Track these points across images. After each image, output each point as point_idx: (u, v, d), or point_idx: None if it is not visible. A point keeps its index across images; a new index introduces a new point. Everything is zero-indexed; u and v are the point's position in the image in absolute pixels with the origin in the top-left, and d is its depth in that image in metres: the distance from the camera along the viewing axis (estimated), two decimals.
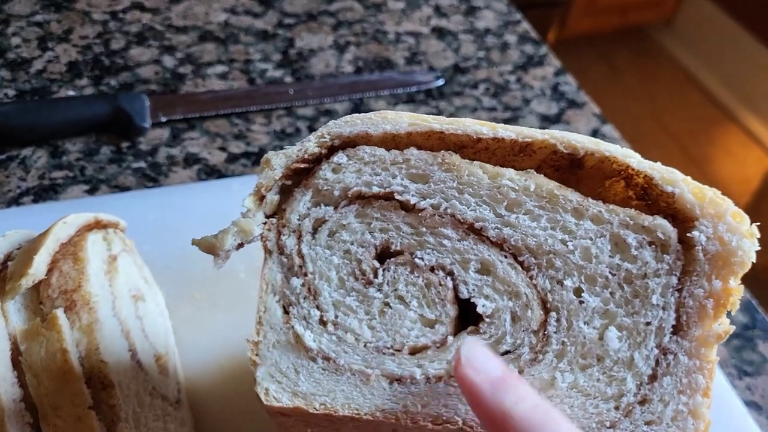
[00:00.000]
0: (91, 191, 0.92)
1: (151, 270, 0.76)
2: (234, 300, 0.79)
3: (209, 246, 0.43)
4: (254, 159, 0.98)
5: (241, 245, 0.44)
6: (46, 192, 0.92)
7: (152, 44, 1.14)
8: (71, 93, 1.05)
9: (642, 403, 0.42)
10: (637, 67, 3.56)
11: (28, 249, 0.60)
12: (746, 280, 0.43)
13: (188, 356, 0.73)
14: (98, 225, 0.67)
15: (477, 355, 0.40)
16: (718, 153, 3.20)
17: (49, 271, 0.58)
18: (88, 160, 0.96)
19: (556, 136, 0.44)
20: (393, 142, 0.45)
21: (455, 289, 0.44)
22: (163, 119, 1.00)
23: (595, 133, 1.05)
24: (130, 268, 0.68)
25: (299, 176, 0.46)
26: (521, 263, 0.44)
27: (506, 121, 1.05)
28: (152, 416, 0.58)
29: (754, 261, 0.42)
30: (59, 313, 0.55)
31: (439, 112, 1.06)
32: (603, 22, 3.46)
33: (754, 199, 2.61)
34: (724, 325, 0.42)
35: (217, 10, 1.22)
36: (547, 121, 1.06)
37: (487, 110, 1.08)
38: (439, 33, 1.21)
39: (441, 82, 1.11)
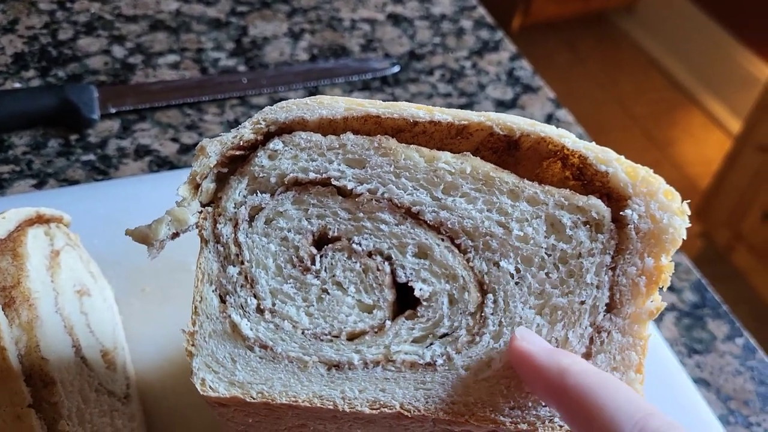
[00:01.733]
0: (39, 185, 0.90)
1: (99, 265, 0.74)
2: (185, 293, 0.76)
3: (142, 236, 0.43)
4: None
5: (176, 235, 0.43)
6: None
7: (101, 34, 1.12)
8: (17, 85, 1.03)
9: None
10: (601, 53, 3.59)
11: None
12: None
13: (138, 351, 0.72)
14: (40, 220, 0.65)
15: (531, 333, 0.41)
16: (680, 135, 3.24)
17: None
18: (36, 153, 0.94)
19: (492, 118, 0.44)
20: (330, 127, 0.45)
21: (393, 273, 0.44)
22: (113, 110, 0.98)
23: (549, 118, 1.06)
24: (75, 263, 0.66)
25: (235, 163, 0.45)
26: (458, 246, 0.44)
27: (462, 107, 1.04)
28: (98, 412, 0.57)
29: (685, 238, 0.42)
30: None
31: (395, 99, 1.05)
32: (566, 8, 3.47)
33: (715, 180, 2.65)
34: (656, 302, 0.43)
35: None
36: (502, 106, 1.06)
37: (442, 96, 1.07)
38: (395, 19, 1.20)
39: (396, 68, 1.10)
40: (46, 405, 0.52)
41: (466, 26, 1.20)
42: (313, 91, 1.05)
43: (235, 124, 0.99)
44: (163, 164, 0.94)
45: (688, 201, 0.43)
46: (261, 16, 1.18)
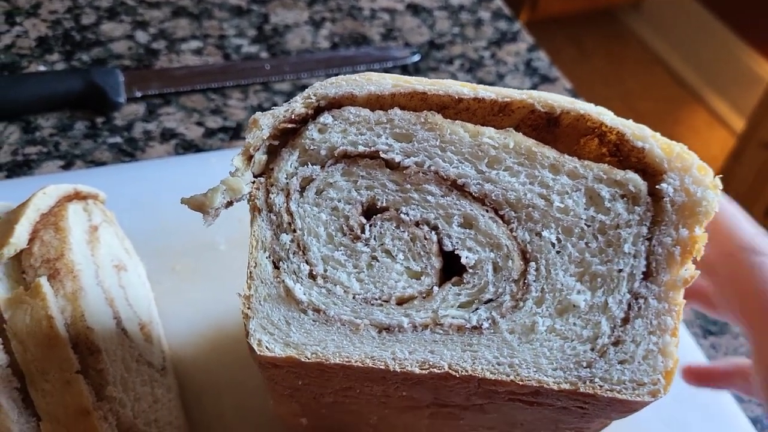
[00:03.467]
0: (66, 167, 0.91)
1: (133, 243, 0.76)
2: (214, 271, 0.79)
3: (199, 204, 0.44)
4: (232, 134, 0.98)
5: (230, 203, 0.45)
6: (20, 168, 0.91)
7: (124, 19, 1.13)
8: (42, 68, 1.04)
9: (616, 344, 0.44)
10: (606, 50, 3.60)
11: (8, 219, 0.59)
12: None
13: (171, 327, 0.73)
14: (78, 196, 0.67)
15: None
16: (684, 133, 3.26)
17: (31, 241, 0.58)
18: (63, 135, 0.95)
19: (534, 96, 0.45)
20: (377, 103, 0.46)
21: (439, 242, 0.46)
22: (138, 94, 1.00)
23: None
24: (112, 239, 0.68)
25: (286, 136, 0.46)
26: (502, 217, 0.46)
27: None
28: (140, 381, 0.59)
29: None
30: (43, 281, 0.55)
31: None
32: (573, 4, 3.48)
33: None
34: (690, 270, 0.44)
35: None
36: None
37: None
38: (414, 9, 1.21)
39: (417, 57, 1.12)
40: (92, 372, 0.53)
41: (485, 17, 1.22)
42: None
43: (259, 108, 1.01)
44: (189, 147, 0.95)
45: (721, 175, 0.45)
46: (282, 4, 1.19)
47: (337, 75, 1.07)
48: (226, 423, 0.68)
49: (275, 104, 1.01)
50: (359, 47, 1.13)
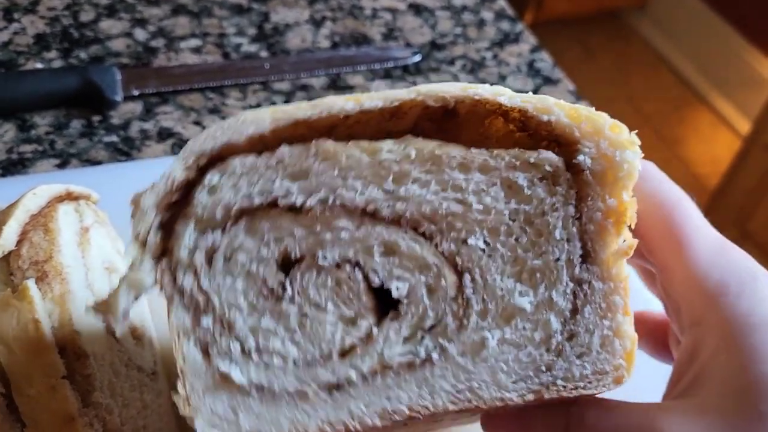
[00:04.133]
0: (62, 165, 0.91)
1: (125, 244, 0.75)
2: None
3: (104, 310, 0.40)
4: None
5: (136, 298, 0.41)
6: (14, 166, 0.90)
7: (123, 17, 1.12)
8: (39, 66, 1.03)
9: (570, 338, 0.42)
10: (612, 50, 3.58)
11: None
12: None
13: (163, 329, 0.72)
14: (69, 197, 0.65)
15: None
16: (689, 134, 3.24)
17: (19, 242, 0.57)
18: (58, 134, 0.94)
19: (422, 91, 0.41)
20: (261, 144, 0.42)
21: (366, 279, 0.42)
22: (136, 93, 0.99)
23: None
24: (103, 241, 0.67)
25: (176, 209, 0.42)
26: (423, 234, 0.42)
27: None
28: (128, 386, 0.58)
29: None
30: (30, 283, 0.54)
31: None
32: (578, 5, 3.47)
33: (723, 179, 2.65)
34: (628, 240, 0.42)
35: None
36: None
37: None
38: (416, 9, 1.20)
39: (418, 58, 1.10)
40: (79, 377, 0.52)
41: (487, 17, 1.20)
42: (335, 78, 1.06)
43: (257, 108, 1.00)
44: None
45: (636, 131, 0.42)
46: (283, 2, 1.18)
47: (337, 75, 1.06)
48: None
49: (274, 104, 1.00)
50: (360, 47, 1.12)
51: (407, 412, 0.41)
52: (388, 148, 0.41)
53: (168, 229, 0.41)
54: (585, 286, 0.42)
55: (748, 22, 3.14)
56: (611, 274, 0.42)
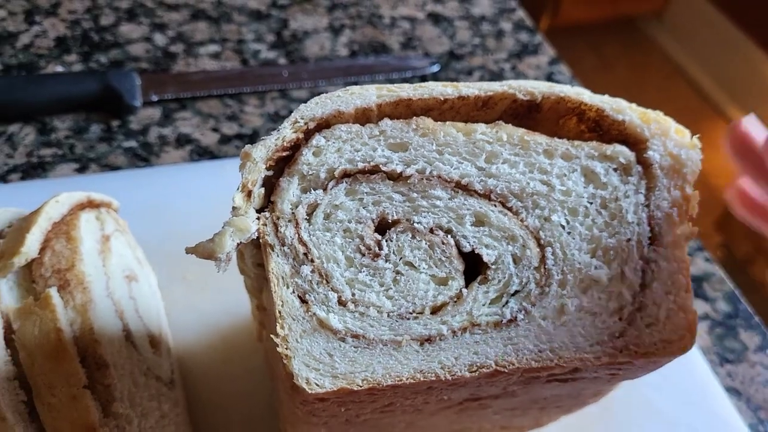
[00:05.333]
0: (81, 170, 0.91)
1: (145, 251, 0.75)
2: (226, 282, 0.77)
3: (207, 252, 0.42)
4: (247, 140, 0.97)
5: (239, 244, 0.43)
6: (34, 169, 0.91)
7: (143, 21, 1.13)
8: (59, 69, 1.04)
9: (639, 309, 0.46)
10: (627, 59, 3.57)
11: (20, 227, 0.59)
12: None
13: (180, 337, 0.72)
14: (91, 204, 0.66)
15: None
16: (704, 146, 3.22)
17: (42, 250, 0.58)
18: (78, 138, 0.95)
19: (513, 86, 0.47)
20: (365, 116, 0.46)
21: (457, 244, 0.46)
22: (155, 98, 0.99)
23: None
24: (124, 249, 0.67)
25: (281, 165, 0.45)
26: (510, 209, 0.47)
27: None
28: (147, 396, 0.58)
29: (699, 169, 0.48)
30: (53, 292, 0.54)
31: None
32: (594, 12, 3.46)
33: None
34: (689, 228, 0.47)
35: None
36: None
37: None
38: (435, 19, 1.20)
39: (436, 68, 1.10)
40: (100, 387, 0.52)
41: (506, 28, 1.20)
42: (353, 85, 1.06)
43: (275, 116, 1.00)
44: (203, 153, 0.94)
45: (698, 135, 0.48)
46: (301, 9, 1.19)
47: (355, 83, 1.06)
48: None
49: (292, 111, 1.01)
50: (378, 56, 1.12)
51: (494, 366, 0.44)
52: (481, 130, 0.47)
53: (271, 184, 0.46)
54: (653, 265, 0.47)
55: (767, 33, 3.12)
56: (675, 255, 0.47)
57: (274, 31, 1.14)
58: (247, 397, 0.69)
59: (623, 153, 0.47)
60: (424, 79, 1.09)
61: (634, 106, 0.47)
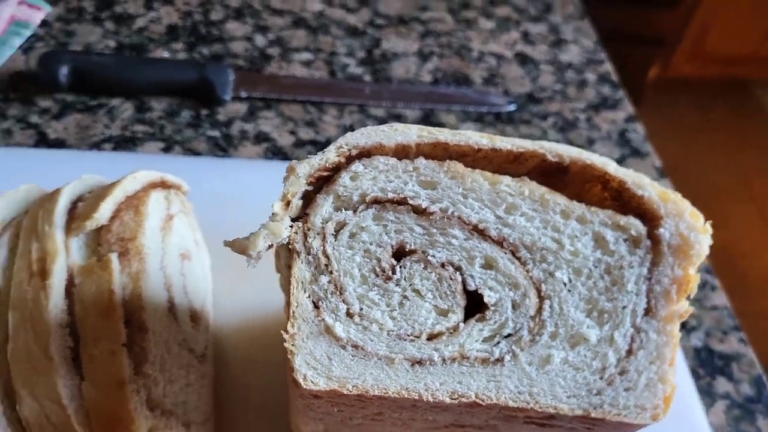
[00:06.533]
0: (166, 149, 0.99)
1: (203, 234, 0.82)
2: (273, 277, 0.84)
3: (242, 247, 0.48)
4: (320, 147, 1.03)
5: (270, 246, 0.49)
6: (126, 142, 1.00)
7: (248, 21, 1.21)
8: (165, 55, 1.13)
9: (621, 373, 0.49)
10: (731, 122, 3.46)
11: (98, 195, 0.66)
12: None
13: (221, 319, 0.79)
14: (163, 185, 0.73)
15: None
16: None
17: (112, 218, 0.65)
18: (169, 120, 1.03)
19: (545, 146, 0.49)
20: (403, 152, 0.50)
21: (464, 282, 0.50)
22: (244, 95, 1.07)
23: None
24: (184, 229, 0.74)
25: (320, 183, 0.50)
26: (519, 258, 0.50)
27: None
28: (177, 364, 0.64)
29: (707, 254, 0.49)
30: (113, 257, 0.61)
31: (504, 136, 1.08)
32: (705, 70, 3.38)
33: None
34: (684, 307, 0.49)
35: None
36: None
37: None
38: (522, 59, 1.23)
39: (512, 107, 1.14)
40: (137, 348, 0.59)
41: (590, 79, 1.22)
42: (428, 113, 1.10)
43: (350, 129, 1.06)
44: (277, 153, 1.01)
45: (711, 221, 0.49)
46: (396, 31, 1.24)
47: (431, 110, 1.11)
48: (249, 420, 0.72)
49: (366, 126, 1.06)
50: (459, 87, 1.16)
51: (474, 398, 0.48)
52: (506, 182, 0.50)
53: (308, 198, 0.50)
54: (642, 334, 0.49)
55: None
56: (666, 329, 0.49)
57: (366, 49, 1.20)
58: (269, 384, 0.75)
59: (636, 226, 0.49)
60: (498, 116, 1.12)
61: (655, 184, 0.50)
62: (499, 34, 1.28)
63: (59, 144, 0.98)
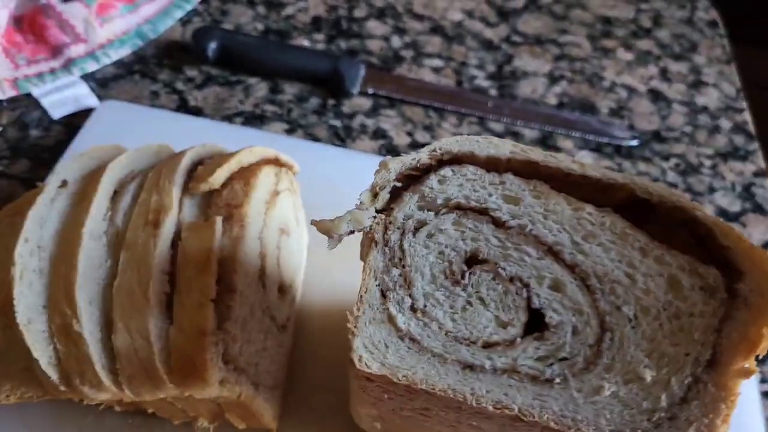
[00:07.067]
0: (289, 131, 1.05)
1: (306, 215, 0.87)
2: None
3: (325, 228, 0.51)
4: None
5: (351, 232, 0.52)
6: (254, 119, 1.06)
7: (388, 22, 1.25)
8: (305, 43, 1.19)
9: (671, 419, 0.48)
10: None
11: (216, 162, 0.72)
12: None
13: (308, 295, 0.83)
14: (276, 162, 0.78)
15: None
16: None
17: (224, 185, 0.70)
18: (297, 104, 1.09)
19: (636, 182, 0.49)
20: (493, 164, 0.52)
21: (528, 299, 0.50)
22: (370, 91, 1.11)
23: (766, 246, 1.01)
24: (287, 207, 0.79)
25: (409, 181, 0.52)
26: (588, 286, 0.50)
27: None
28: (257, 328, 0.69)
29: None
30: (219, 220, 0.67)
31: (619, 170, 1.06)
32: None
33: None
34: (751, 366, 0.47)
35: (456, 9, 1.31)
36: (723, 215, 1.04)
37: (667, 185, 1.07)
38: (654, 96, 1.20)
39: (635, 142, 1.11)
40: (223, 305, 0.64)
41: (724, 126, 1.17)
42: (547, 136, 1.10)
43: None
44: (391, 151, 1.05)
45: None
46: (530, 51, 1.25)
47: (551, 133, 1.10)
48: (315, 396, 0.76)
49: None
50: (583, 114, 1.15)
51: (517, 411, 0.49)
52: (589, 210, 0.51)
53: (395, 193, 0.53)
54: (701, 385, 0.48)
55: None
56: (727, 385, 0.48)
57: (497, 63, 1.21)
58: (341, 366, 0.78)
59: (715, 276, 0.48)
60: (618, 149, 1.10)
61: (743, 237, 0.48)
62: (636, 66, 1.25)
63: (196, 112, 1.07)
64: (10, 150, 1.00)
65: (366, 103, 1.11)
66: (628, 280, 0.49)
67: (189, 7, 1.21)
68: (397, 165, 0.52)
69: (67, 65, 1.08)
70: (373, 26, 1.25)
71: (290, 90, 1.11)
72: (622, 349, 0.49)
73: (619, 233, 0.50)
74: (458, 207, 0.52)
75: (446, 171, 0.52)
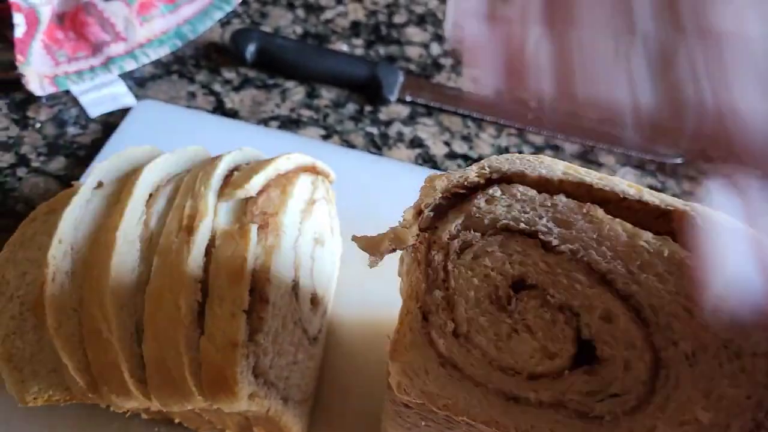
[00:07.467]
0: (325, 137, 1.04)
1: (341, 224, 0.85)
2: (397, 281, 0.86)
3: (367, 245, 0.49)
4: (471, 162, 1.03)
5: (393, 250, 0.49)
6: (291, 123, 1.05)
7: (428, 29, 1.23)
8: (344, 48, 1.18)
9: None
10: None
11: (253, 168, 0.71)
12: None
13: (340, 307, 0.81)
14: (313, 170, 0.76)
15: None
16: None
17: (260, 192, 0.69)
18: (334, 110, 1.08)
19: (696, 209, 0.45)
20: (544, 185, 0.48)
21: (577, 329, 0.47)
22: (408, 99, 1.09)
23: None
24: (323, 216, 0.77)
25: (454, 200, 0.49)
26: (642, 319, 0.46)
27: None
28: (289, 340, 0.67)
29: None
30: (253, 228, 0.65)
31: (662, 189, 1.03)
32: None
33: None
34: None
35: None
36: None
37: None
38: None
39: (680, 160, 1.08)
40: (255, 316, 0.62)
41: None
42: (588, 150, 1.07)
43: (505, 150, 1.05)
44: (428, 160, 1.03)
45: None
46: None
47: (592, 147, 1.07)
48: (345, 410, 0.74)
49: (521, 152, 1.05)
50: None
51: None
52: (646, 238, 0.47)
53: (439, 212, 0.50)
54: (762, 430, 0.44)
55: None
56: None
57: None
58: (372, 380, 0.76)
59: None
60: (662, 166, 1.07)
61: None
62: None
63: (233, 114, 1.06)
64: (47, 147, 0.99)
65: (403, 110, 1.09)
66: (686, 314, 0.45)
67: (228, 9, 1.20)
68: (443, 183, 0.49)
69: (106, 63, 1.08)
70: (413, 32, 1.23)
71: (327, 95, 1.10)
72: (678, 388, 0.45)
73: (678, 264, 0.46)
74: (506, 228, 0.49)
75: (495, 190, 0.49)
